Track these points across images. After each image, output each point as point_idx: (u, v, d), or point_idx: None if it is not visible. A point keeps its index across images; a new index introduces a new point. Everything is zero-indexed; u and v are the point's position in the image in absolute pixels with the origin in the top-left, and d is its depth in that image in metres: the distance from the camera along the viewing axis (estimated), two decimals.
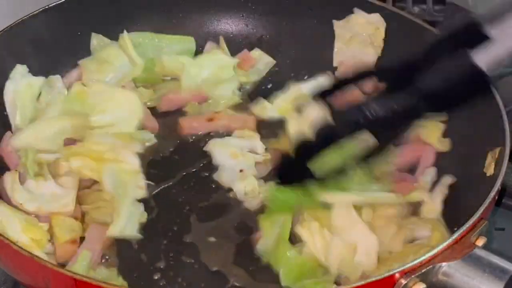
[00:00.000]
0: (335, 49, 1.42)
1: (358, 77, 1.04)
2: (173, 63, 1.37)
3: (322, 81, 1.36)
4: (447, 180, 1.21)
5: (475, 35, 0.87)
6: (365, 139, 1.00)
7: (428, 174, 1.23)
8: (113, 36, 1.39)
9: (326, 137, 1.03)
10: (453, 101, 0.93)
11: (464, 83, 0.90)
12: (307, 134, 1.07)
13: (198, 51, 1.43)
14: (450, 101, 0.93)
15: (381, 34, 1.40)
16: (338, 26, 1.43)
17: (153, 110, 1.35)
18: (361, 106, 0.99)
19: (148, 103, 1.35)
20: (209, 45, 1.45)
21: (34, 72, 1.32)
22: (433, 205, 1.17)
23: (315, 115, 1.10)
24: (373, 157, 1.03)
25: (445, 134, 1.27)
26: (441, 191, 1.20)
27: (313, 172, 1.06)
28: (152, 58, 1.38)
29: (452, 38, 0.91)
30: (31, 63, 1.32)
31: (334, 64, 1.42)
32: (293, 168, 1.09)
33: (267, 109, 1.35)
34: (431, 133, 1.27)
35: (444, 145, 1.26)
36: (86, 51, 1.39)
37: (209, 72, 1.38)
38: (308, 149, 1.05)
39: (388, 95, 0.97)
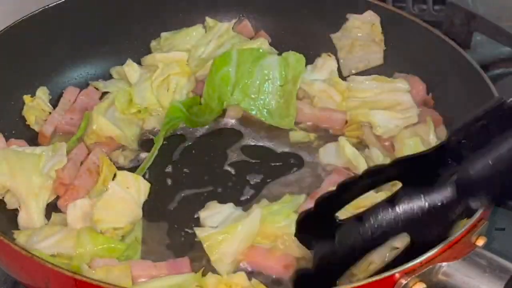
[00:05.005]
0: (341, 60, 1.42)
1: (370, 180, 0.86)
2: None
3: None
4: None
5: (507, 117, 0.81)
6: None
7: None
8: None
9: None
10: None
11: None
12: None
13: None
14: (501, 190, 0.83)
15: (378, 28, 1.40)
16: (336, 38, 1.43)
17: None
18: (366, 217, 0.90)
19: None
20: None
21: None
22: None
23: None
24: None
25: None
26: None
27: None
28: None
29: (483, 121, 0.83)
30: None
31: (344, 75, 1.41)
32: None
33: None
34: None
35: None
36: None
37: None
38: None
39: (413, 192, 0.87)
